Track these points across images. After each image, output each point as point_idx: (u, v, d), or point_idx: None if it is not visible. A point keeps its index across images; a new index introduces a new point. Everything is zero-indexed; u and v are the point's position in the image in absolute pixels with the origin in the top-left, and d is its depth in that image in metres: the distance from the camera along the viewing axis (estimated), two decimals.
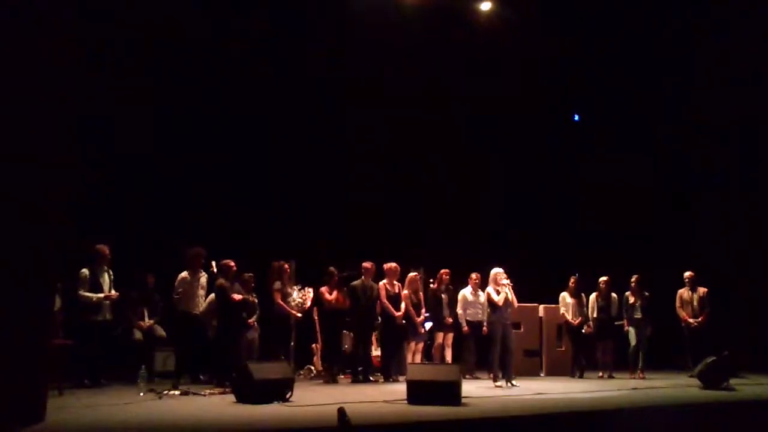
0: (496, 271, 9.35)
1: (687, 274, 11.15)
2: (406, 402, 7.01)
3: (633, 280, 10.92)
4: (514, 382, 9.07)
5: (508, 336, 9.27)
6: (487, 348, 10.60)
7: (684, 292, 11.11)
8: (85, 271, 8.46)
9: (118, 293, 8.66)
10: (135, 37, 10.61)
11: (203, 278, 8.77)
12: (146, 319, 9.44)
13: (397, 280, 9.95)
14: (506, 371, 9.20)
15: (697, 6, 12.50)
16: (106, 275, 8.59)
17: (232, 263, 8.73)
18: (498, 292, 9.22)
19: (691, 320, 10.90)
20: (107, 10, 9.77)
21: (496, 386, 9.02)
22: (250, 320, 9.17)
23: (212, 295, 8.91)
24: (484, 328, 10.51)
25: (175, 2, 10.66)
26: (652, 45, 13.24)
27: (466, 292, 10.68)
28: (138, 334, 9.29)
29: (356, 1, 11.63)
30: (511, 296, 9.25)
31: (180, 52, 11.19)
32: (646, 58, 13.41)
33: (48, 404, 5.64)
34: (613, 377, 10.60)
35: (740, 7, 12.15)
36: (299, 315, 9.50)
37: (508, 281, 9.23)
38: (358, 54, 12.27)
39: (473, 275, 10.74)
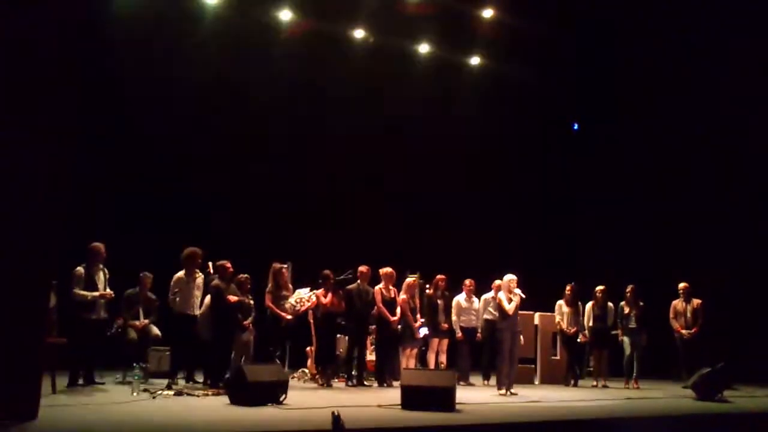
0: (510, 278, 9.15)
1: (681, 285, 11.13)
2: (399, 407, 7.00)
3: (628, 289, 10.92)
4: (512, 390, 8.99)
5: (514, 344, 9.17)
6: (481, 354, 10.65)
7: (678, 303, 11.10)
8: (80, 269, 8.40)
9: (112, 292, 8.62)
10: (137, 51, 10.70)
11: (199, 279, 8.76)
12: (141, 318, 9.39)
13: (393, 285, 9.94)
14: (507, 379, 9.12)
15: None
16: (101, 273, 8.52)
17: (229, 264, 8.72)
18: (509, 300, 9.06)
19: (684, 331, 10.89)
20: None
21: (500, 394, 8.93)
22: (245, 322, 9.13)
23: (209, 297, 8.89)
24: (478, 335, 10.55)
25: None
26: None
27: (460, 299, 10.68)
28: (132, 334, 9.22)
29: None
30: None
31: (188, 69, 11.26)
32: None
33: (41, 402, 5.61)
34: (607, 386, 10.59)
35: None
36: (289, 317, 9.41)
37: (519, 290, 9.07)
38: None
39: (467, 281, 10.75)
